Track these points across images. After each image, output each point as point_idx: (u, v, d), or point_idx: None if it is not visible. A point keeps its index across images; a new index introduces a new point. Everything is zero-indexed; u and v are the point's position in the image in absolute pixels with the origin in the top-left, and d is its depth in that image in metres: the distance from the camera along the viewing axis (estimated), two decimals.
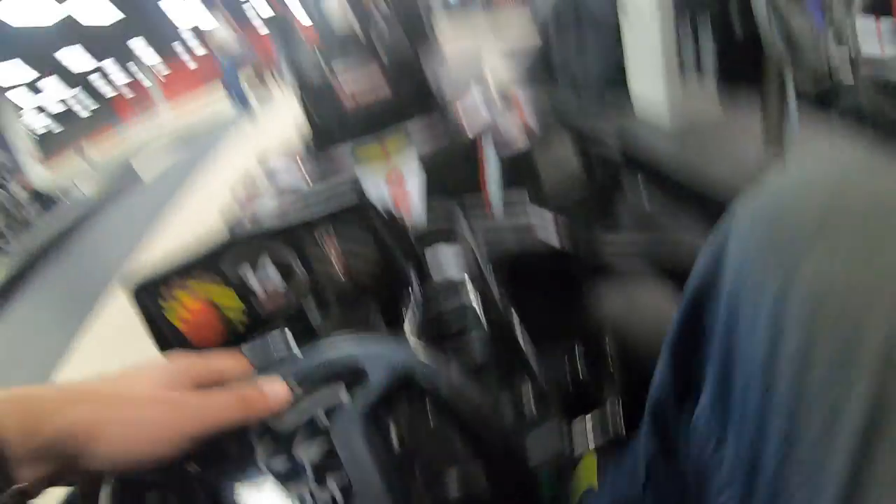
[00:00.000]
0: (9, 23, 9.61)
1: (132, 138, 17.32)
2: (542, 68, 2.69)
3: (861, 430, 0.22)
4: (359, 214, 0.74)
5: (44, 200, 8.35)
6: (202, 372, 0.38)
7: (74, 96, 20.81)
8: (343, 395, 0.40)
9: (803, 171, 0.28)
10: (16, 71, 12.98)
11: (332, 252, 0.74)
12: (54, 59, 14.46)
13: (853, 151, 1.59)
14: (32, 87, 15.75)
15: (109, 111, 26.95)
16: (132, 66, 20.17)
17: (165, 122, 16.75)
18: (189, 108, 18.79)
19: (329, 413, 0.39)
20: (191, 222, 3.22)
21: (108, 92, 24.43)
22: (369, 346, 0.42)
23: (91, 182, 9.86)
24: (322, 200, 0.75)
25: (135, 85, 22.62)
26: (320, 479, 0.37)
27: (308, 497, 0.36)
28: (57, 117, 23.26)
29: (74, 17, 11.36)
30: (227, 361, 0.41)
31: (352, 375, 0.40)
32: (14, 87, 13.71)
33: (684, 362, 0.35)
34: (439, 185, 1.59)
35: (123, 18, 13.26)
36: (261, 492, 0.36)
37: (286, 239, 0.75)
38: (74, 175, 11.45)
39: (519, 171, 1.69)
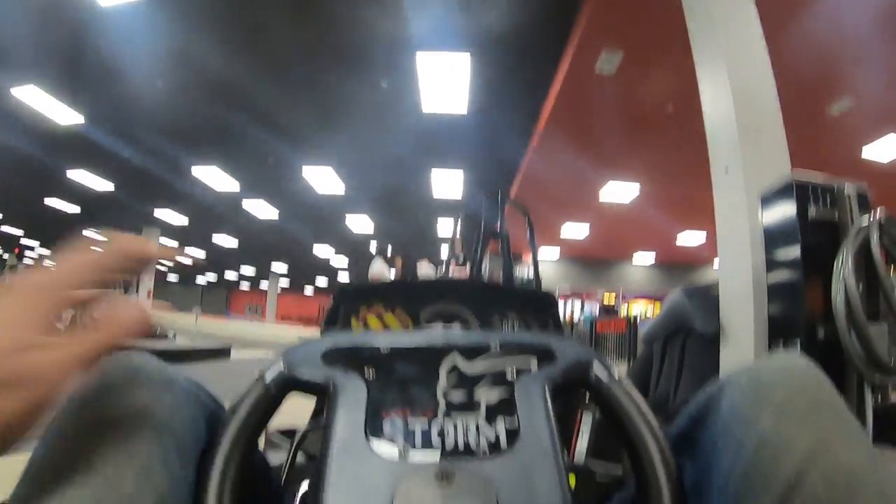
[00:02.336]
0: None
1: (233, 328, 18.37)
2: (639, 381, 2.84)
3: None
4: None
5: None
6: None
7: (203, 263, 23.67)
8: (533, 364, 0.50)
9: (779, 365, 0.45)
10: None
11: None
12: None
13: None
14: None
15: (223, 297, 36.03)
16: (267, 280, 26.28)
17: (264, 332, 16.99)
18: (294, 328, 19.35)
19: (519, 373, 0.49)
20: None
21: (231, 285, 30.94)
22: (562, 339, 0.52)
23: (185, 337, 10.93)
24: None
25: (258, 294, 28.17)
26: (490, 419, 0.46)
27: (474, 429, 0.45)
28: (181, 271, 28.39)
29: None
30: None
31: (544, 355, 0.50)
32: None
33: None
34: None
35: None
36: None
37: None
38: (174, 325, 12.69)
39: None
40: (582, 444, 2.07)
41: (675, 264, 15.13)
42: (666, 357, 2.67)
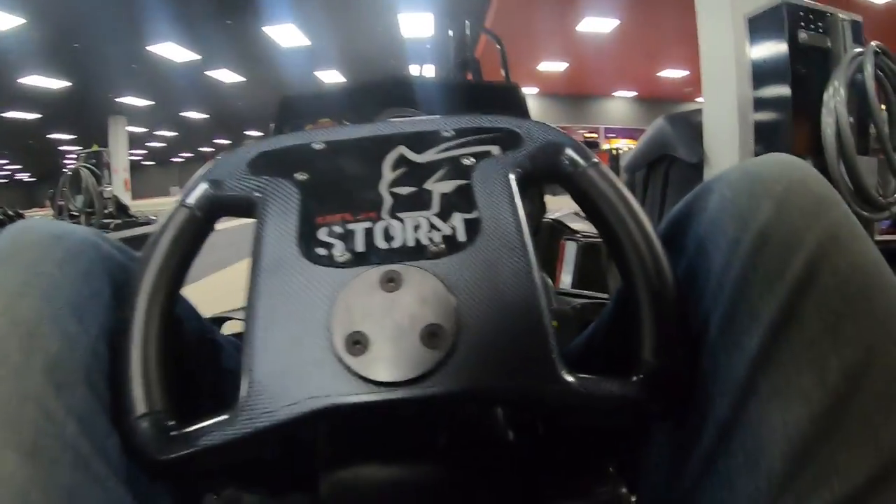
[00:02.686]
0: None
1: None
2: None
3: (779, 307, 0.35)
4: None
5: (125, 214, 8.50)
6: None
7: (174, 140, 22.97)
8: (495, 149, 0.42)
9: (774, 160, 0.42)
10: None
11: None
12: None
13: None
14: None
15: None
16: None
17: None
18: None
19: (478, 158, 0.42)
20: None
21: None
22: (528, 121, 0.44)
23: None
24: None
25: None
26: (445, 213, 0.40)
27: (426, 225, 0.39)
28: (155, 155, 28.00)
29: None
30: None
31: (508, 138, 0.43)
32: None
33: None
34: None
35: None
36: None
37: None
38: (156, 209, 11.91)
39: None
40: (567, 275, 2.18)
41: (658, 99, 14.84)
42: (649, 185, 2.70)
